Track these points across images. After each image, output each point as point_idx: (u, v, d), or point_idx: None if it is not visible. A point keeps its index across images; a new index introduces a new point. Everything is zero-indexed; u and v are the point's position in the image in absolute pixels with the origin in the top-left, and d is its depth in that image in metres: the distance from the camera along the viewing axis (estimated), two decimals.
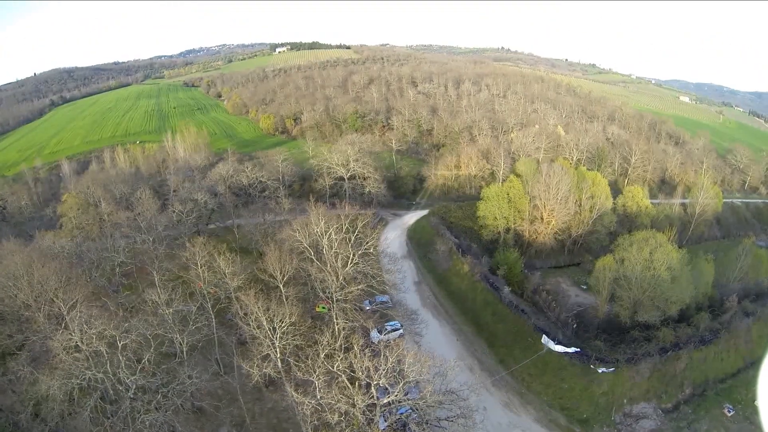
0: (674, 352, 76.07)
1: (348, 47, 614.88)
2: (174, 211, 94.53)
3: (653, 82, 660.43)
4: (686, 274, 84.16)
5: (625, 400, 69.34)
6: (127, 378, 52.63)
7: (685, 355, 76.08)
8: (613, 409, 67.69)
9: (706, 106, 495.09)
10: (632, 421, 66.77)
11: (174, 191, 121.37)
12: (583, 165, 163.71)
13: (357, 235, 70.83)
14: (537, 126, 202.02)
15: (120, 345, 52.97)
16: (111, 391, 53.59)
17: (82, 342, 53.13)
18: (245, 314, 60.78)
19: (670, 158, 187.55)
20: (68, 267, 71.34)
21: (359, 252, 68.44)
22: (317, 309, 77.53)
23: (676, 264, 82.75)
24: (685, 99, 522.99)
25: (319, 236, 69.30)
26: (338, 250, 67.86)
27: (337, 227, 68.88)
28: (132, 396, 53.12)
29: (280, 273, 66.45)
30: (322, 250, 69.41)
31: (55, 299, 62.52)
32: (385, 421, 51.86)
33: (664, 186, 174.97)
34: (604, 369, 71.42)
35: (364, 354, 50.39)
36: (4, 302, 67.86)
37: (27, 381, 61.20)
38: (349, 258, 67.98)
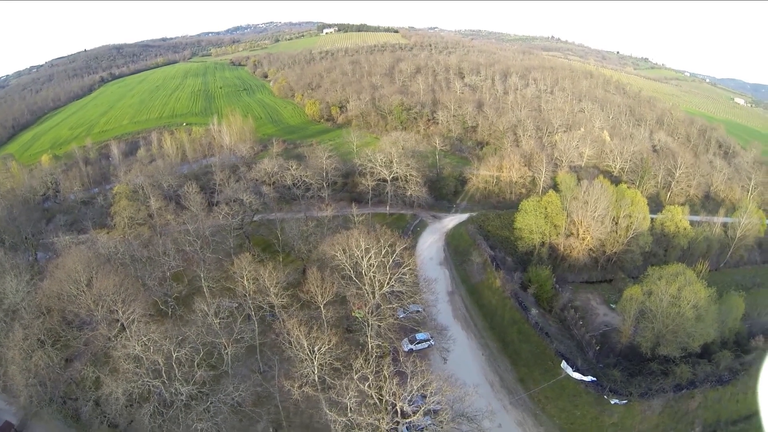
0: (689, 390, 76.80)
1: (396, 31, 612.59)
2: (221, 214, 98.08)
3: (707, 80, 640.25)
4: (712, 313, 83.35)
5: None
6: (182, 387, 57.49)
7: (699, 394, 76.72)
8: None
9: (762, 110, 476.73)
10: None
11: (219, 185, 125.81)
12: (626, 175, 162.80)
13: (395, 258, 72.90)
14: (582, 129, 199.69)
15: (174, 356, 57.54)
16: (166, 395, 58.24)
17: (141, 354, 57.71)
18: (288, 332, 64.03)
19: (716, 173, 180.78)
20: (124, 276, 75.60)
21: (396, 276, 70.51)
22: (353, 313, 79.73)
23: (703, 303, 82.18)
24: (740, 101, 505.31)
25: (359, 258, 71.66)
26: (375, 272, 70.25)
27: (376, 251, 71.08)
28: (184, 401, 57.94)
29: (321, 297, 69.47)
30: (361, 271, 71.83)
31: (114, 308, 67.14)
32: None
33: (707, 202, 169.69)
34: (616, 401, 73.24)
35: (392, 380, 53.74)
36: (66, 304, 72.85)
37: (89, 379, 66.69)
38: (385, 281, 70.24)
